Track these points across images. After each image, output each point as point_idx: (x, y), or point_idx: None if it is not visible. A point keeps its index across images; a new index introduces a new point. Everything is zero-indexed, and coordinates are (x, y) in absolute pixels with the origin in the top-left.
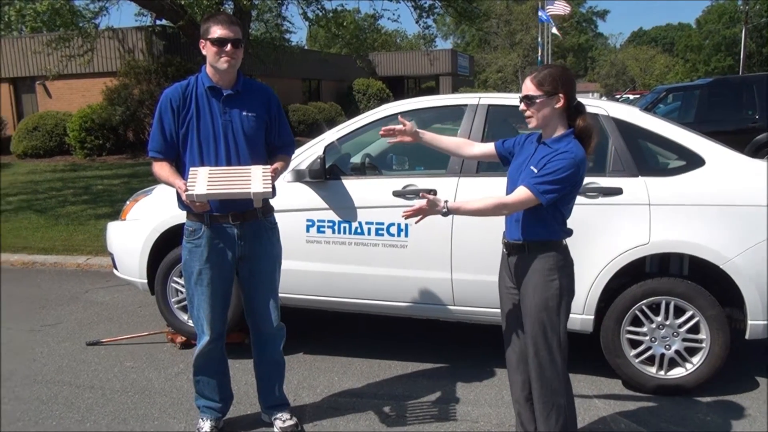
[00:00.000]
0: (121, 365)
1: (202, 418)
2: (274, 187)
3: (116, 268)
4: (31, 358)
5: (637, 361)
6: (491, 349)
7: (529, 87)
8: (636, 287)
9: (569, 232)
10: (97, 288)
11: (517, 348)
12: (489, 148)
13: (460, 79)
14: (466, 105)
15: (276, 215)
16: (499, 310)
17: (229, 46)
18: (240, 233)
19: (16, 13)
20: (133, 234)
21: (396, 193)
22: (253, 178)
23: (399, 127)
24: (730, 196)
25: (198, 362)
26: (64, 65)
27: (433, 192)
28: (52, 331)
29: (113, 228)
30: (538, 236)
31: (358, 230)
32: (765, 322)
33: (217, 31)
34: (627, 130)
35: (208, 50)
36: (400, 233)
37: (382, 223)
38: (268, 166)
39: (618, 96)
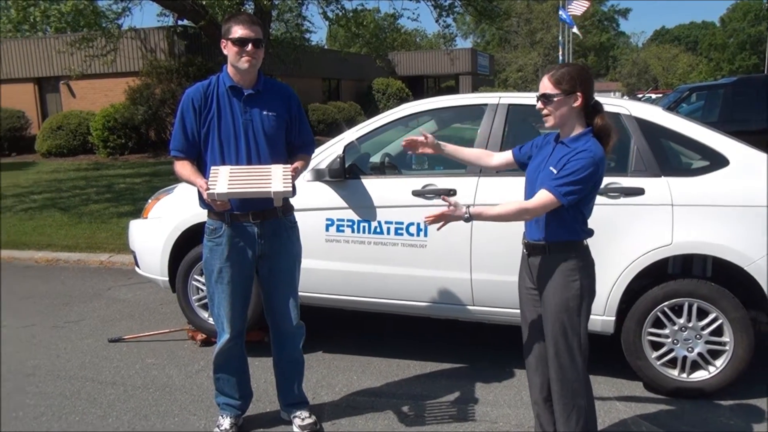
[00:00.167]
0: (142, 362)
1: (221, 415)
2: (294, 186)
3: (138, 266)
4: (55, 354)
5: (658, 363)
6: (510, 350)
7: (546, 85)
8: (658, 288)
9: (590, 233)
10: (119, 285)
11: (536, 349)
12: (508, 156)
13: (480, 79)
14: (486, 104)
15: (296, 214)
16: (517, 311)
17: (250, 46)
18: (260, 232)
19: (41, 14)
20: (154, 232)
21: (415, 193)
22: (273, 177)
23: (421, 138)
24: (754, 196)
25: (218, 360)
26: (87, 65)
27: (453, 192)
28: (76, 327)
29: (135, 226)
30: (558, 237)
31: (378, 230)
32: None
33: (238, 31)
34: (649, 129)
35: (229, 50)
36: (419, 233)
37: (402, 223)
38: (289, 166)
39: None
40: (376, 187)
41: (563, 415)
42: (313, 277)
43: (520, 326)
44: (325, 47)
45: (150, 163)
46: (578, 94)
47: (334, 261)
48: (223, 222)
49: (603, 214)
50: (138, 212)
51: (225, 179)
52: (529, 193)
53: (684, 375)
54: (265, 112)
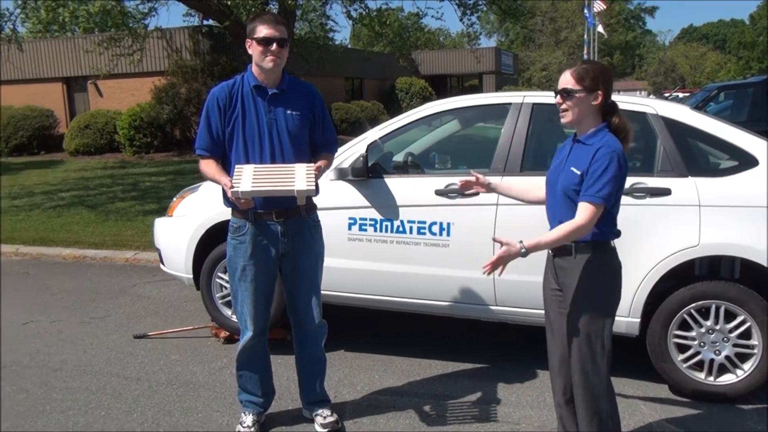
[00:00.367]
0: (166, 358)
1: (244, 413)
2: (317, 185)
3: (163, 264)
4: (82, 349)
5: (684, 366)
6: (533, 351)
7: (567, 80)
8: (684, 290)
9: (617, 233)
10: (144, 282)
11: (559, 351)
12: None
13: (504, 78)
14: (510, 104)
15: (318, 213)
16: (540, 311)
17: (274, 46)
18: (283, 230)
19: (70, 15)
20: (179, 230)
21: (438, 192)
22: (297, 176)
23: (473, 179)
24: None
25: (241, 357)
26: (114, 64)
27: (475, 193)
28: (101, 323)
29: (160, 224)
30: (584, 237)
31: (400, 229)
32: None
33: (263, 31)
34: (676, 128)
35: (254, 49)
36: (442, 232)
37: (424, 222)
38: (312, 164)
39: (667, 94)
40: (398, 186)
41: (586, 418)
42: (335, 276)
43: (542, 327)
44: (349, 46)
45: (175, 162)
46: (599, 92)
47: (356, 260)
48: (246, 220)
49: (628, 214)
50: (163, 210)
51: (249, 178)
52: (551, 197)
53: (711, 378)
54: (289, 112)
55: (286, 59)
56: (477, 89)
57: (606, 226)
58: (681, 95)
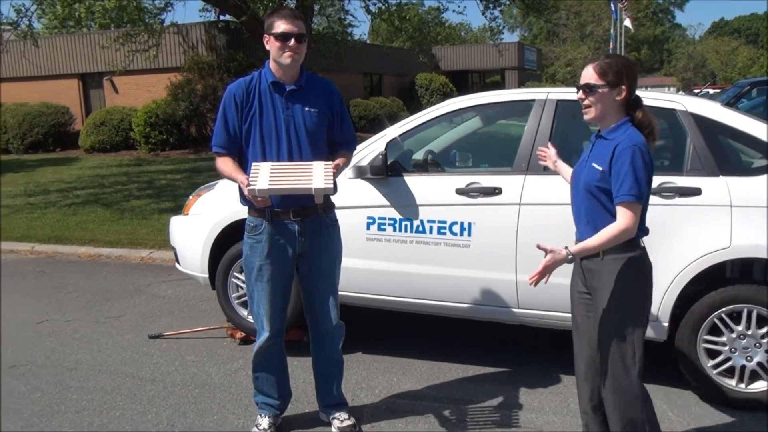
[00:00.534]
0: (182, 359)
1: (260, 415)
2: (335, 183)
3: (178, 263)
4: (97, 349)
5: (714, 372)
6: (556, 354)
7: (590, 75)
8: (715, 294)
9: (645, 231)
10: (159, 282)
11: (586, 356)
12: None
13: (527, 74)
14: (533, 100)
15: (336, 212)
16: (565, 314)
17: (292, 41)
18: (301, 229)
19: (86, 10)
20: (195, 229)
21: (459, 191)
22: (314, 174)
23: (550, 150)
24: None
25: (257, 358)
26: (130, 60)
27: (498, 191)
28: (116, 323)
29: (176, 223)
30: None
31: (420, 228)
32: None
33: (281, 26)
34: (707, 126)
35: (271, 45)
36: (462, 232)
37: (445, 222)
38: (330, 162)
39: (697, 90)
40: (418, 184)
41: (618, 425)
42: (353, 276)
43: (566, 330)
44: (367, 42)
45: (191, 159)
46: (623, 87)
47: (374, 260)
48: (263, 219)
49: (657, 214)
50: (179, 208)
51: (266, 175)
52: (574, 193)
53: (742, 385)
54: (306, 108)
55: (304, 55)
56: (499, 85)
57: None
58: (711, 92)
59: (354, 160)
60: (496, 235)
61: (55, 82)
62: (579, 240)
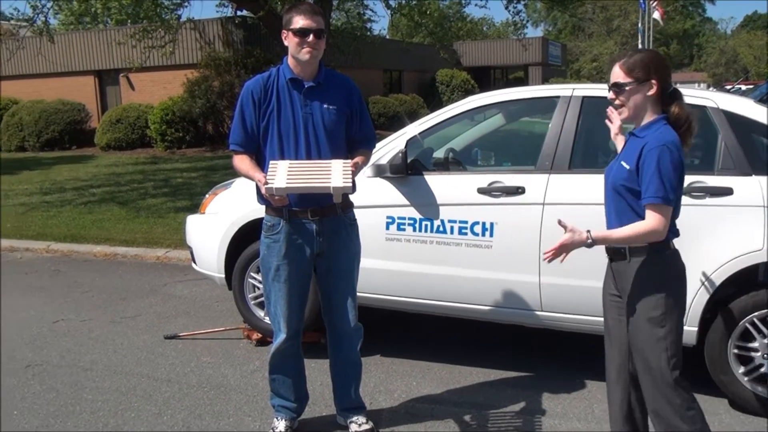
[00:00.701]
0: (197, 360)
1: (276, 418)
2: (354, 182)
3: (195, 262)
4: (112, 349)
5: (746, 379)
6: (580, 359)
7: (617, 74)
8: (747, 298)
9: (676, 233)
10: (175, 281)
11: (617, 361)
12: None
13: (551, 69)
14: (558, 97)
15: (355, 211)
16: (589, 318)
17: (311, 37)
18: (319, 229)
19: (102, 6)
20: (211, 228)
21: (481, 190)
22: (333, 173)
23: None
24: None
25: (274, 360)
26: (146, 57)
27: (522, 190)
28: (132, 323)
29: (192, 221)
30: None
31: (440, 228)
32: None
33: (299, 22)
34: (739, 123)
35: (290, 41)
36: (484, 232)
37: (466, 222)
38: (349, 161)
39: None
40: (439, 183)
41: None
42: (371, 277)
43: (590, 334)
44: (387, 37)
45: (207, 158)
46: (653, 81)
47: (394, 261)
48: (281, 218)
49: (686, 215)
50: (195, 207)
51: (284, 174)
52: (605, 191)
53: None
54: (325, 106)
55: (323, 51)
56: (522, 81)
57: None
58: (744, 87)
59: (373, 159)
60: (518, 236)
61: (71, 79)
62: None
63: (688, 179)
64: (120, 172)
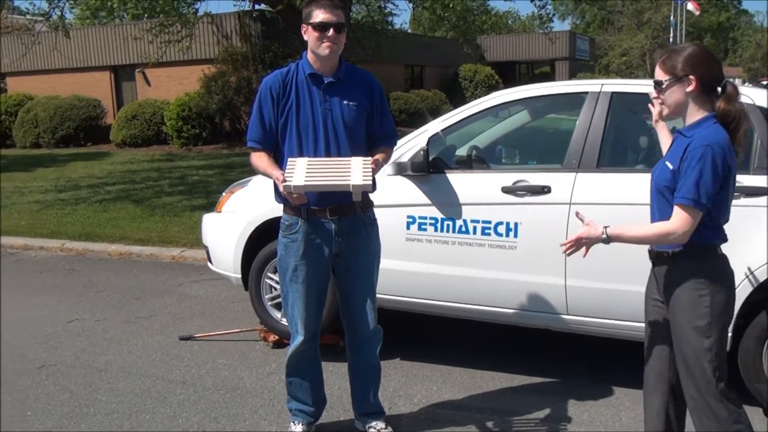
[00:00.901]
0: (213, 362)
1: (293, 422)
2: (374, 180)
3: (211, 262)
4: (127, 350)
5: None
6: (607, 364)
7: (657, 71)
8: None
9: (723, 238)
10: (190, 281)
11: (656, 368)
12: None
13: (579, 64)
14: (586, 93)
15: (375, 210)
16: (617, 322)
17: (331, 31)
18: (338, 228)
19: (119, 1)
20: (228, 227)
21: (505, 190)
22: (352, 170)
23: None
24: None
25: (291, 363)
26: (162, 51)
27: (547, 189)
28: (146, 323)
29: (208, 220)
30: (684, 243)
31: (463, 229)
32: None
33: (319, 16)
34: None
35: (309, 35)
36: (508, 233)
37: (489, 222)
38: (369, 158)
39: (765, 82)
40: (462, 182)
41: None
42: (391, 279)
43: (619, 339)
44: (409, 31)
45: (224, 155)
46: (692, 77)
47: (414, 261)
48: (299, 217)
49: None
50: (211, 206)
51: (302, 171)
52: (651, 195)
53: None
54: (345, 102)
55: (343, 46)
56: (549, 77)
57: (707, 229)
58: None
59: (394, 156)
60: (544, 237)
61: (87, 75)
62: (654, 247)
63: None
64: (135, 169)
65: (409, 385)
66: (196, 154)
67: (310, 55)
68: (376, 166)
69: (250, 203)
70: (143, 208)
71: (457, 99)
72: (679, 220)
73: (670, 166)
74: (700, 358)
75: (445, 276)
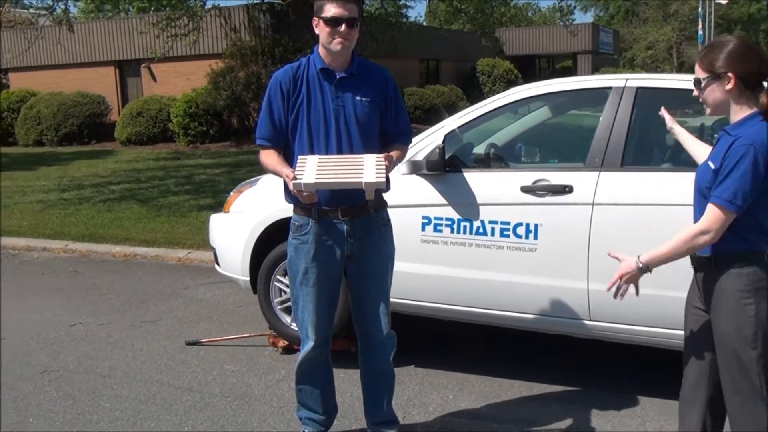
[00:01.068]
0: (220, 368)
1: (303, 430)
2: (388, 179)
3: (218, 264)
4: (131, 355)
5: None
6: (632, 373)
7: (697, 68)
8: None
9: None
10: (197, 284)
11: (695, 379)
12: None
13: (602, 58)
14: (609, 88)
15: (389, 211)
16: (642, 328)
17: (343, 26)
18: (350, 229)
19: None
20: (236, 228)
21: (525, 189)
22: (365, 168)
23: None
24: None
25: (301, 369)
26: (169, 46)
27: (569, 189)
28: (152, 327)
29: (216, 221)
30: (728, 248)
31: (480, 230)
32: None
33: (331, 10)
34: None
35: (321, 30)
36: (528, 235)
37: (508, 223)
38: (382, 155)
39: None
40: (479, 181)
41: None
42: (405, 282)
43: (642, 345)
44: (424, 24)
45: (232, 153)
46: (730, 74)
47: (430, 264)
48: (310, 218)
49: None
50: (219, 205)
51: (313, 169)
52: (694, 196)
53: None
54: (358, 98)
55: (356, 40)
56: (570, 71)
57: (753, 233)
58: None
59: (408, 154)
60: (565, 239)
61: (91, 70)
62: (696, 252)
63: None
64: (140, 168)
65: (424, 393)
66: (204, 152)
67: (321, 50)
68: (390, 164)
69: (259, 203)
70: (149, 208)
71: (475, 95)
72: (709, 219)
73: (712, 166)
74: (747, 370)
75: (461, 279)
